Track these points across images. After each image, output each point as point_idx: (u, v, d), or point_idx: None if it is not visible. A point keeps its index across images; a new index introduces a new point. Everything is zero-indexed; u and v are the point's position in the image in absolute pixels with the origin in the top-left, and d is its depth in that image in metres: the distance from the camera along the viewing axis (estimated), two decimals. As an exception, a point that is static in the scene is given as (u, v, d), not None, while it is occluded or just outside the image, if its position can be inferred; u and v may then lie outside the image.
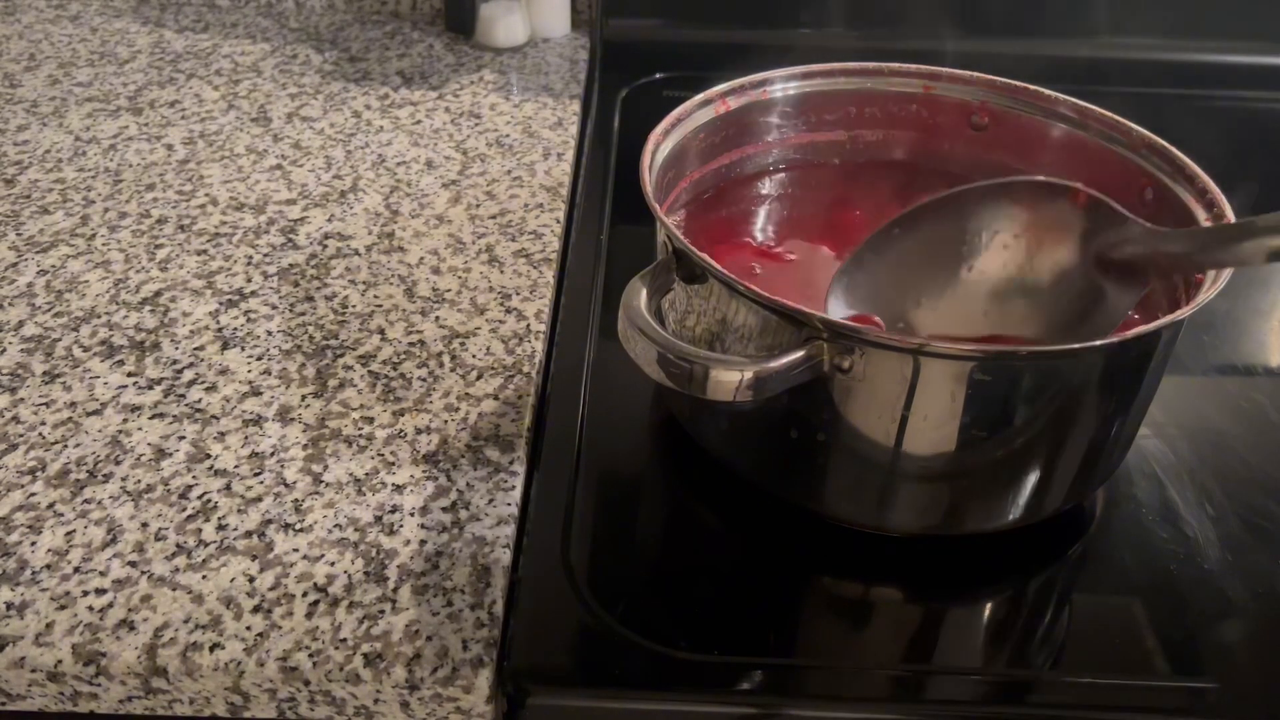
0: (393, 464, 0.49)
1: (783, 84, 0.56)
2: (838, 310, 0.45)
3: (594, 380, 0.54)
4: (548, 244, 0.64)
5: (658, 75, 0.85)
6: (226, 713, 0.42)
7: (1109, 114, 0.52)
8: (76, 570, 0.43)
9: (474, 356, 0.55)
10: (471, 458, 0.49)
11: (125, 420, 0.51)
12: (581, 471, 0.49)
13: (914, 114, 0.57)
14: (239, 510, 0.46)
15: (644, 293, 0.42)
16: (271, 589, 0.43)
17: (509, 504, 0.47)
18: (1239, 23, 0.86)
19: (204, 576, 0.43)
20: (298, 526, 0.46)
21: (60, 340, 0.56)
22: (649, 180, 0.46)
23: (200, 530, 0.45)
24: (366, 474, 0.48)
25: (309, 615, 0.42)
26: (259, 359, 0.55)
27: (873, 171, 0.58)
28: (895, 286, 0.46)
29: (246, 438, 0.50)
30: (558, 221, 0.66)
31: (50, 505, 0.46)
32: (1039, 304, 0.46)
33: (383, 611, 0.42)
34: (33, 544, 0.45)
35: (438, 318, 0.58)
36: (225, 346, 0.55)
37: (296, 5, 0.97)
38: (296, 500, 0.47)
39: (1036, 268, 0.46)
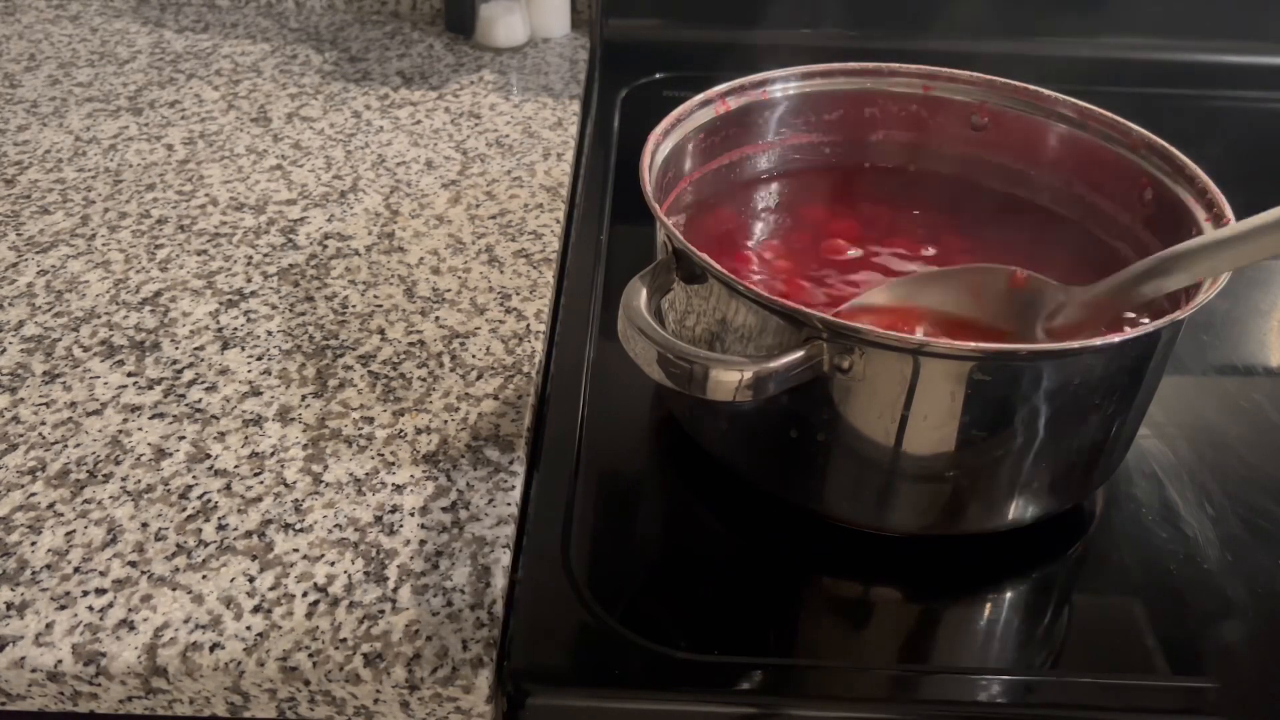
0: (393, 464, 0.49)
1: (783, 84, 0.56)
2: None
3: (594, 380, 0.54)
4: (548, 244, 0.64)
5: (658, 75, 0.85)
6: (226, 713, 0.42)
7: (1109, 114, 0.52)
8: (76, 570, 0.43)
9: (474, 356, 0.55)
10: (471, 458, 0.49)
11: (125, 420, 0.51)
12: (581, 471, 0.49)
13: (914, 114, 0.57)
14: (239, 510, 0.46)
15: (644, 293, 0.42)
16: (271, 589, 0.43)
17: (509, 504, 0.47)
18: (1239, 23, 0.86)
19: (204, 576, 0.43)
20: (298, 526, 0.46)
21: (60, 340, 0.56)
22: (649, 180, 0.46)
23: (200, 530, 0.45)
24: (366, 474, 0.48)
25: (309, 615, 0.42)
26: (259, 359, 0.55)
27: (872, 171, 0.58)
28: None
29: (246, 438, 0.50)
30: (558, 221, 0.66)
31: (50, 505, 0.46)
32: None
33: (383, 611, 0.42)
34: (33, 544, 0.45)
35: (438, 318, 0.58)
36: (225, 346, 0.55)
37: (296, 5, 0.97)
38: (296, 500, 0.47)
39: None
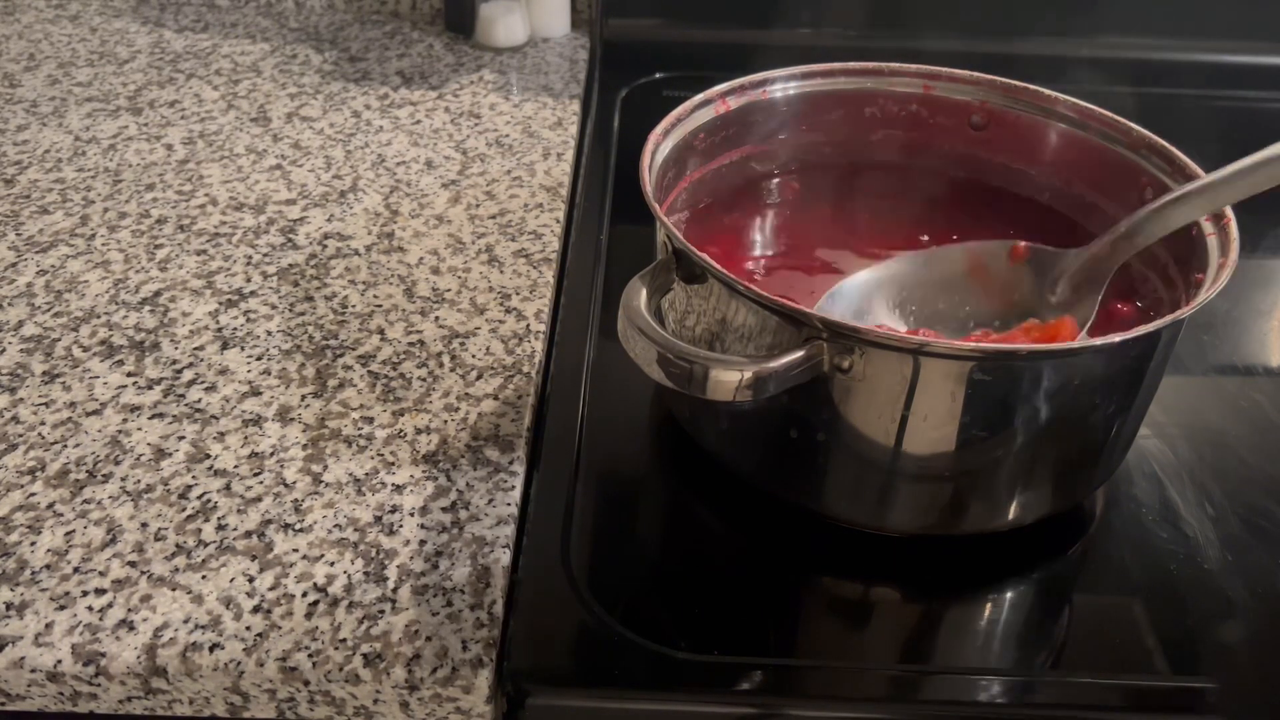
0: (393, 464, 0.49)
1: (783, 84, 0.56)
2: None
3: (594, 380, 0.54)
4: (548, 244, 0.64)
5: (658, 75, 0.85)
6: (226, 713, 0.42)
7: (1109, 114, 0.52)
8: (76, 570, 0.43)
9: (474, 356, 0.55)
10: (471, 458, 0.49)
11: (125, 420, 0.51)
12: (581, 471, 0.49)
13: (914, 114, 0.57)
14: (239, 510, 0.46)
15: (644, 293, 0.42)
16: (271, 589, 0.43)
17: (509, 504, 0.47)
18: (1239, 23, 0.86)
19: (204, 576, 0.43)
20: (297, 526, 0.46)
21: (60, 340, 0.56)
22: (649, 180, 0.46)
23: (200, 530, 0.45)
24: (366, 474, 0.48)
25: (309, 615, 0.42)
26: (259, 359, 0.55)
27: (872, 171, 0.58)
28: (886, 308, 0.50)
29: (246, 438, 0.50)
30: (558, 221, 0.66)
31: (50, 505, 0.46)
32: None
33: (382, 612, 0.42)
34: (32, 544, 0.45)
35: (437, 318, 0.58)
36: (225, 346, 0.55)
37: (296, 5, 0.97)
38: (296, 500, 0.47)
39: (1003, 312, 0.50)
